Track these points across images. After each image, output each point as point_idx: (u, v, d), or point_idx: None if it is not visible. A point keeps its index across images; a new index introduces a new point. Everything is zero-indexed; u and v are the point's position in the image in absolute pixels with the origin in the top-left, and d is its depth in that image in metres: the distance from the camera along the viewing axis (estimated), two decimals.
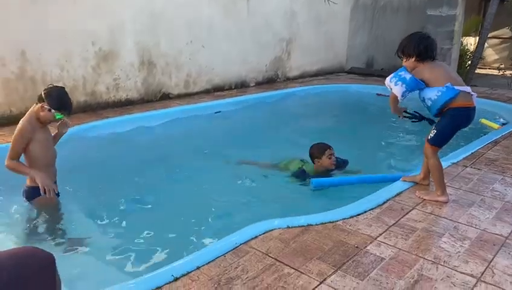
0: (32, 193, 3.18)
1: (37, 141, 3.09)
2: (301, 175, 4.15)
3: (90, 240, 3.06)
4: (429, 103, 3.15)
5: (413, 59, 3.15)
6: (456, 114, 3.11)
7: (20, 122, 3.10)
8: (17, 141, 3.05)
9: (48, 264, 1.31)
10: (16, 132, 3.07)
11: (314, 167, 4.20)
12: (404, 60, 3.21)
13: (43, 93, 3.07)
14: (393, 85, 3.15)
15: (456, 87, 3.06)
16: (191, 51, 7.34)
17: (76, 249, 2.92)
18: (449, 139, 3.26)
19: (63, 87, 3.19)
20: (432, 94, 3.09)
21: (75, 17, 5.73)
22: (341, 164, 4.28)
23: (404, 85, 3.10)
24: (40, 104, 3.06)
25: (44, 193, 3.01)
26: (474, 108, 3.16)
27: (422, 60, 3.13)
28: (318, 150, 4.18)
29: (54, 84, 3.21)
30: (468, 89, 3.14)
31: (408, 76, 3.12)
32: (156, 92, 6.98)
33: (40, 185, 3.01)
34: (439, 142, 3.22)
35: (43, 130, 3.16)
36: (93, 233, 3.13)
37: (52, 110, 3.04)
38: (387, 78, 3.24)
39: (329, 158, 4.13)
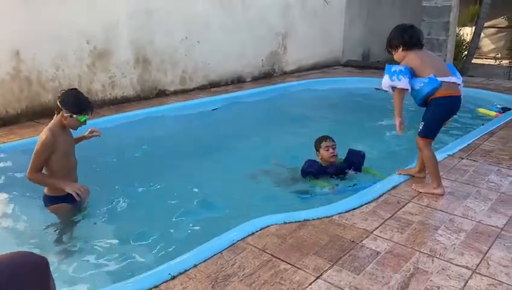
0: (48, 201, 3.22)
1: (59, 152, 3.06)
2: (312, 167, 3.97)
3: (88, 240, 3.07)
4: (413, 93, 3.19)
5: (401, 49, 3.23)
6: (439, 103, 3.13)
7: (42, 133, 3.04)
8: (40, 153, 3.00)
9: (41, 268, 1.32)
10: (38, 144, 3.02)
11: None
12: (393, 52, 3.29)
13: (58, 103, 3.00)
14: (398, 81, 3.13)
15: (439, 79, 3.08)
16: (186, 47, 7.32)
17: (74, 249, 2.93)
18: (438, 129, 3.26)
19: (75, 89, 3.11)
20: (416, 85, 3.14)
21: (69, 15, 5.71)
22: (352, 158, 4.05)
23: (406, 76, 3.12)
24: (60, 114, 3.00)
25: (79, 197, 3.05)
26: (458, 97, 3.16)
27: (409, 48, 3.21)
28: (317, 143, 4.11)
29: (65, 89, 3.12)
30: (452, 79, 3.14)
31: (401, 67, 3.17)
32: (152, 89, 6.97)
33: (72, 193, 3.03)
34: (428, 133, 3.23)
35: (65, 138, 3.12)
36: (90, 233, 3.14)
37: (74, 116, 2.99)
38: (385, 80, 3.20)
39: (327, 150, 4.00)
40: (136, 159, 4.61)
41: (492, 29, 14.31)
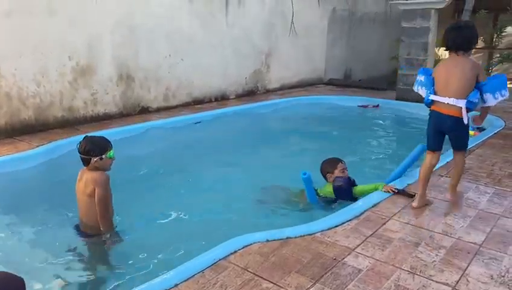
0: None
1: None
2: (345, 183, 3.87)
3: (68, 259, 3.01)
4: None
5: (445, 49, 3.30)
6: (429, 116, 3.36)
7: (96, 176, 3.13)
8: (106, 189, 3.13)
9: (17, 287, 1.30)
10: (98, 185, 3.10)
11: (327, 185, 3.97)
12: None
13: (84, 157, 3.15)
14: (416, 90, 3.44)
15: (431, 96, 3.24)
16: (170, 64, 7.33)
17: (46, 267, 2.87)
18: (430, 140, 3.39)
19: (85, 136, 3.27)
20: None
21: (51, 31, 5.68)
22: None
23: (424, 88, 3.35)
24: (93, 162, 3.13)
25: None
26: (442, 114, 3.21)
27: (448, 50, 3.25)
28: (330, 165, 3.99)
29: (79, 145, 3.21)
30: (443, 99, 3.16)
31: (423, 77, 3.36)
32: (135, 106, 6.94)
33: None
34: (427, 144, 3.45)
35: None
36: (68, 253, 3.07)
37: (103, 156, 3.16)
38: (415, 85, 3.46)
39: (343, 172, 3.92)
40: (116, 177, 4.55)
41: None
